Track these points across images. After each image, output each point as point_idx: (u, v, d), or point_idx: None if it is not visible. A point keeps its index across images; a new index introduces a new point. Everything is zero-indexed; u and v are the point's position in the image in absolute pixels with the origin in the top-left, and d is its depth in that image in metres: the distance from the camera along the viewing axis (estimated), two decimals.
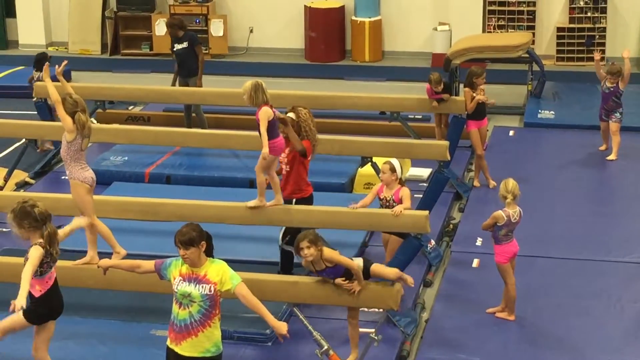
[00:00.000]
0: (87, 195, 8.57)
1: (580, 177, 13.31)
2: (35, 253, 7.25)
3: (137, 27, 20.58)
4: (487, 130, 13.47)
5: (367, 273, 8.45)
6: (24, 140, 13.17)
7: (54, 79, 8.98)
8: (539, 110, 15.95)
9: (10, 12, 21.01)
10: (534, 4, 19.27)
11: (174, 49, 14.73)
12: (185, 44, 14.62)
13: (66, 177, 8.89)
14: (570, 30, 19.11)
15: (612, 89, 13.66)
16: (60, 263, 8.91)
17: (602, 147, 14.07)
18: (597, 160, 13.82)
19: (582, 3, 19.09)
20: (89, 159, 8.83)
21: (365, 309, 8.95)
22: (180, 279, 7.08)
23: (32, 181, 13.37)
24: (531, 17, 19.31)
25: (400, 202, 9.41)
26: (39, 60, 14.35)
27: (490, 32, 19.28)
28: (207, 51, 19.00)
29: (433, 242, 10.77)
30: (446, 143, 11.55)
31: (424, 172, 13.05)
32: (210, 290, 7.02)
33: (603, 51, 18.75)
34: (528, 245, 10.27)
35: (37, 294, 7.50)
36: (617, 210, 12.24)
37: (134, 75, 18.74)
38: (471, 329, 9.38)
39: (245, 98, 9.02)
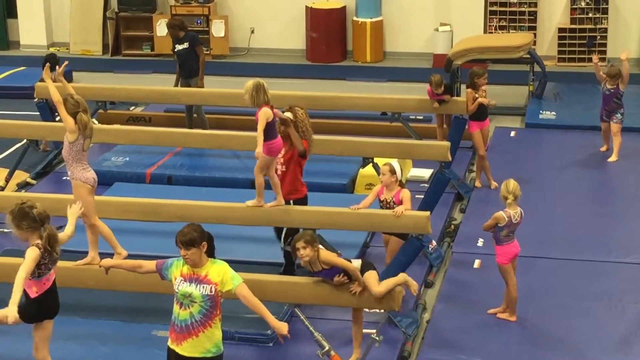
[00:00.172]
0: (89, 196, 8.57)
1: (581, 178, 13.31)
2: (31, 255, 7.24)
3: (139, 27, 20.59)
4: (489, 131, 13.44)
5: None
6: (25, 140, 13.17)
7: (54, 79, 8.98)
8: (540, 111, 15.95)
9: (12, 12, 21.02)
10: (535, 4, 19.28)
11: (175, 50, 14.73)
12: (186, 45, 14.62)
13: (67, 178, 8.90)
14: (571, 31, 19.11)
15: (612, 91, 13.66)
16: (61, 264, 8.91)
17: (603, 148, 14.07)
18: (598, 161, 13.82)
19: (583, 4, 19.09)
20: (90, 159, 8.82)
21: (367, 310, 8.95)
22: (181, 279, 7.09)
23: (34, 182, 13.38)
24: (532, 17, 19.31)
25: (400, 204, 9.41)
26: (48, 61, 14.35)
27: (491, 32, 19.29)
28: (208, 52, 19.00)
29: (434, 242, 10.77)
30: (447, 144, 11.55)
31: (425, 173, 13.05)
32: (211, 291, 7.03)
33: (604, 52, 18.75)
34: (529, 246, 10.27)
35: (32, 295, 7.49)
36: (618, 211, 12.24)
37: (135, 75, 18.74)
38: (472, 329, 9.38)
39: (246, 98, 9.02)
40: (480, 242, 11.06)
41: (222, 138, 12.30)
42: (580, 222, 11.83)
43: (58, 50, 20.71)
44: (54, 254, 7.46)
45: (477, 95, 12.67)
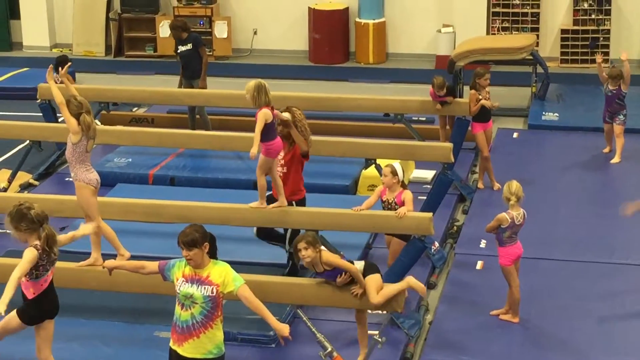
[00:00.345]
0: (92, 197, 8.58)
1: (584, 180, 13.31)
2: (28, 256, 7.25)
3: (141, 28, 20.59)
4: (492, 133, 13.44)
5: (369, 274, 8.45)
6: (28, 141, 13.17)
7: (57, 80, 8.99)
8: (543, 113, 15.95)
9: (15, 13, 21.03)
10: (538, 5, 19.27)
11: (178, 51, 14.74)
12: (189, 46, 14.63)
13: (70, 179, 8.90)
14: (574, 32, 19.09)
15: (614, 92, 13.66)
16: (64, 265, 8.95)
17: (606, 150, 14.07)
18: (601, 162, 13.81)
19: (586, 5, 19.08)
20: (93, 160, 8.83)
21: (369, 311, 8.95)
22: (183, 280, 7.09)
23: (36, 183, 13.39)
24: (535, 19, 19.30)
25: (402, 204, 9.41)
26: (59, 62, 14.47)
27: (494, 34, 19.28)
28: (211, 53, 19.01)
29: (437, 244, 10.78)
30: (450, 145, 11.55)
31: (428, 174, 13.05)
32: (212, 292, 7.03)
33: (607, 53, 18.73)
34: (532, 247, 10.26)
35: (30, 296, 7.50)
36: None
37: (137, 76, 18.75)
38: (475, 331, 9.38)
39: (247, 98, 9.04)
40: (482, 244, 11.06)
41: (224, 139, 12.29)
42: (582, 223, 11.82)
43: (61, 51, 20.73)
44: (52, 254, 7.46)
45: (479, 97, 12.67)
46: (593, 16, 19.06)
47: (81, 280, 8.90)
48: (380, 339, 8.60)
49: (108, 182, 12.01)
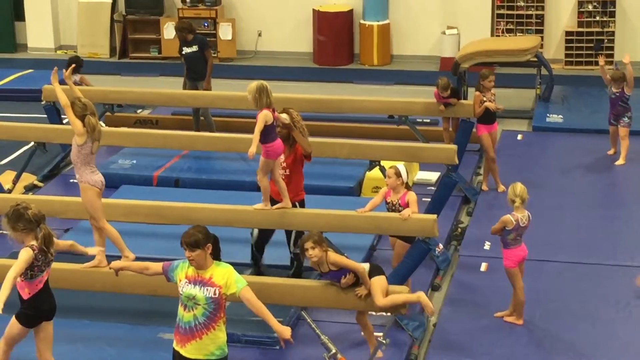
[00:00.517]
0: (97, 199, 8.58)
1: (589, 182, 13.29)
2: (24, 256, 7.27)
3: (146, 30, 20.61)
4: (497, 135, 13.43)
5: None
6: (32, 143, 13.19)
7: (62, 82, 8.99)
8: (548, 114, 15.94)
9: (20, 15, 21.05)
10: (543, 7, 19.26)
11: (183, 53, 14.74)
12: (195, 48, 14.64)
13: (75, 180, 8.91)
14: (578, 34, 19.08)
15: (617, 94, 13.66)
16: (68, 266, 8.97)
17: (611, 152, 14.05)
18: (606, 164, 13.80)
19: (590, 7, 19.06)
20: (97, 162, 8.84)
21: (374, 313, 8.95)
22: (186, 281, 7.10)
23: (41, 184, 13.40)
24: (540, 21, 19.29)
25: (406, 206, 9.40)
26: (71, 63, 14.51)
27: (498, 36, 19.28)
28: (215, 55, 18.99)
29: (441, 246, 10.75)
30: (454, 147, 11.55)
31: (432, 176, 13.05)
32: (215, 294, 7.03)
33: (611, 55, 18.72)
34: (536, 249, 10.25)
35: (25, 297, 7.51)
36: (625, 214, 12.21)
37: (142, 78, 18.76)
38: (479, 333, 9.37)
39: (249, 99, 9.06)
40: (487, 246, 11.06)
41: (229, 141, 12.30)
42: (587, 225, 11.81)
43: (65, 52, 20.75)
44: (49, 255, 7.47)
45: (484, 99, 12.66)
46: (597, 18, 19.05)
47: (86, 281, 8.91)
48: (384, 341, 8.60)
49: (112, 183, 12.01)
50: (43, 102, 13.87)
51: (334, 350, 8.60)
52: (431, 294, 10.32)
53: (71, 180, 12.84)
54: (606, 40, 18.99)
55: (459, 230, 11.84)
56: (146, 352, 8.81)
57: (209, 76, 14.65)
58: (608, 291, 10.17)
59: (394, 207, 9.54)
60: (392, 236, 9.88)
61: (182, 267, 7.17)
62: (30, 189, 13.24)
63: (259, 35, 20.45)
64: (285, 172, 9.56)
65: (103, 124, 14.55)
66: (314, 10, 19.79)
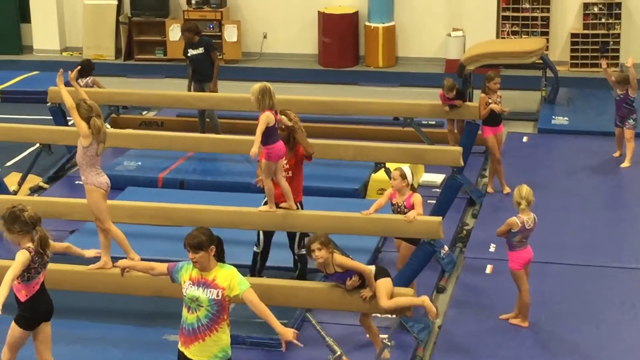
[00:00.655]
0: (103, 201, 8.59)
1: (594, 184, 13.28)
2: (21, 258, 7.27)
3: (151, 32, 20.63)
4: (503, 136, 13.43)
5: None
6: (38, 145, 13.20)
7: (67, 84, 9.00)
8: (553, 116, 15.93)
9: (25, 17, 21.08)
10: (548, 9, 19.24)
11: (189, 55, 14.75)
12: (201, 50, 14.66)
13: (80, 182, 8.93)
14: (584, 36, 19.06)
15: (622, 96, 13.66)
16: (73, 268, 8.98)
17: (616, 154, 14.04)
18: (611, 166, 13.78)
19: (596, 9, 19.05)
20: (103, 164, 8.84)
21: (379, 315, 8.95)
22: (190, 283, 7.10)
23: (46, 186, 13.41)
24: (545, 23, 19.28)
25: (411, 208, 9.40)
26: (84, 68, 14.71)
27: (504, 38, 19.26)
28: (220, 56, 19.00)
29: (446, 248, 10.76)
30: (460, 149, 11.55)
31: (438, 178, 13.04)
32: (218, 295, 7.03)
33: (617, 57, 18.70)
34: (541, 251, 10.25)
35: (22, 299, 7.52)
36: (631, 216, 12.20)
37: (147, 80, 18.78)
38: (484, 335, 9.37)
39: (252, 100, 9.08)
40: (492, 248, 11.05)
41: (234, 143, 12.30)
42: (592, 227, 11.80)
43: (71, 54, 20.78)
44: (45, 257, 7.48)
45: (489, 101, 12.66)
46: (603, 20, 19.03)
47: (91, 283, 8.91)
48: (389, 343, 8.60)
49: (118, 185, 12.00)
50: (48, 104, 13.88)
51: (339, 352, 8.60)
52: (436, 296, 10.32)
53: (76, 182, 12.85)
54: (612, 43, 18.97)
55: (464, 232, 11.83)
56: (151, 353, 8.82)
57: (215, 78, 14.68)
58: (613, 293, 10.16)
59: (399, 209, 9.54)
60: (398, 238, 9.88)
61: (187, 269, 7.17)
62: (36, 190, 13.25)
63: (264, 37, 20.46)
64: (288, 173, 9.56)
65: (108, 126, 14.56)
66: (319, 12, 19.79)
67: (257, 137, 8.93)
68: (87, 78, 14.77)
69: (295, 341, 7.11)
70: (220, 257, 7.19)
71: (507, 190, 12.59)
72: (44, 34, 20.92)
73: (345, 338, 9.00)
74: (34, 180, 13.45)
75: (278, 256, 10.21)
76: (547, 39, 18.66)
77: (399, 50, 20.00)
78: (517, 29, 19.33)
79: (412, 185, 9.63)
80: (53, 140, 12.88)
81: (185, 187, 12.99)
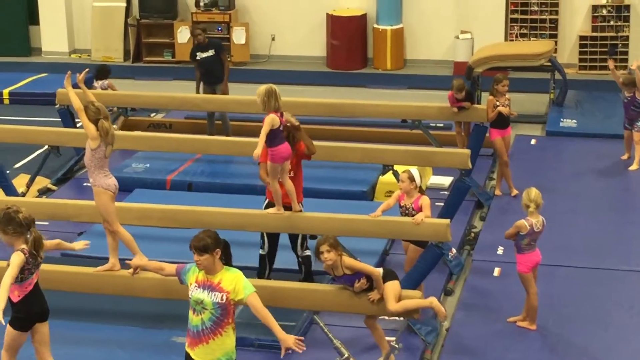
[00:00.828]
0: (110, 203, 8.60)
1: (602, 186, 13.26)
2: (16, 260, 7.28)
3: (160, 34, 20.66)
4: (511, 139, 13.41)
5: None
6: (46, 147, 13.22)
7: (75, 86, 9.01)
8: (561, 119, 15.91)
9: (34, 19, 21.13)
10: (557, 12, 19.23)
11: (198, 58, 14.77)
12: (212, 52, 14.70)
13: (88, 184, 8.93)
14: (592, 39, 19.05)
15: (630, 99, 13.64)
16: (81, 270, 9.00)
17: (624, 157, 14.02)
18: (619, 169, 13.76)
19: (604, 11, 19.03)
20: (111, 166, 8.85)
21: (386, 318, 8.94)
22: (196, 285, 7.11)
23: (55, 187, 13.44)
24: (553, 25, 19.26)
25: (420, 210, 9.39)
26: (100, 72, 15.21)
27: (512, 40, 19.25)
28: (229, 59, 19.01)
29: (454, 250, 10.76)
30: (468, 151, 11.54)
31: (446, 181, 13.03)
32: (222, 299, 7.03)
33: (625, 60, 18.67)
34: (549, 254, 10.22)
35: (15, 299, 7.52)
36: (639, 219, 12.17)
37: (155, 82, 18.80)
38: (492, 338, 9.36)
39: (258, 102, 9.09)
40: (500, 250, 11.04)
41: (242, 145, 12.30)
42: (601, 230, 11.78)
43: (79, 56, 20.82)
44: (39, 258, 7.50)
45: (497, 103, 12.65)
46: (612, 22, 19.01)
47: (99, 285, 8.92)
48: (397, 345, 8.60)
49: (126, 187, 12.02)
50: (57, 106, 13.91)
51: (346, 355, 8.60)
52: (444, 298, 10.31)
53: (85, 184, 12.87)
54: (620, 45, 18.95)
55: (472, 234, 11.82)
56: (158, 355, 8.82)
57: (226, 79, 14.73)
58: (621, 296, 10.14)
59: (407, 212, 9.53)
60: (405, 240, 9.88)
61: (194, 271, 7.18)
62: (44, 192, 13.27)
63: (273, 39, 20.47)
64: (290, 174, 9.57)
65: (116, 128, 14.59)
66: (327, 14, 19.80)
67: (261, 139, 8.93)
68: (104, 80, 14.99)
69: (295, 347, 7.05)
70: (227, 261, 7.18)
71: (515, 192, 12.57)
72: (52, 36, 20.97)
73: (353, 340, 9.00)
74: (42, 182, 13.47)
75: (285, 258, 10.21)
76: (556, 42, 18.64)
77: (407, 53, 20.00)
78: (525, 31, 19.32)
79: (420, 187, 9.63)
80: (61, 142, 12.90)
81: (193, 189, 12.99)
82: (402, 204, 9.61)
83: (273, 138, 9.03)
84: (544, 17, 19.26)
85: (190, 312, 7.14)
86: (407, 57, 20.02)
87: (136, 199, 12.01)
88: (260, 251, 9.92)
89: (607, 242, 11.43)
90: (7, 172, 12.93)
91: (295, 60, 20.24)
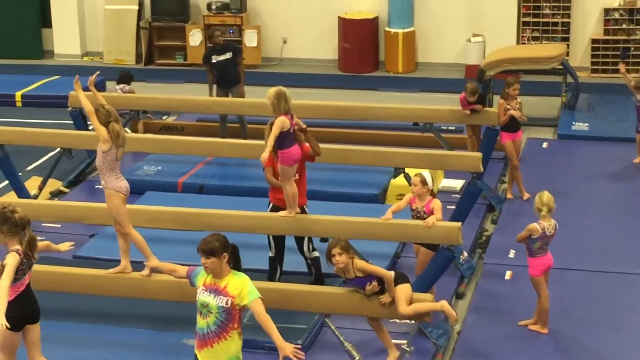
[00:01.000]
0: (122, 205, 8.62)
1: (614, 190, 13.23)
2: (12, 262, 7.29)
3: (172, 37, 20.69)
4: (522, 143, 13.39)
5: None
6: (58, 149, 13.25)
7: (85, 89, 9.03)
8: (573, 122, 15.88)
9: (46, 22, 21.18)
10: (569, 15, 19.20)
11: (214, 61, 14.77)
12: (228, 55, 14.76)
13: (100, 186, 8.95)
14: (605, 42, 19.01)
15: None
16: (93, 272, 9.02)
17: (637, 160, 13.99)
18: (631, 173, 13.73)
19: (617, 15, 18.99)
20: (123, 168, 8.87)
21: (397, 321, 8.94)
22: (203, 288, 7.12)
23: (67, 190, 13.46)
24: (566, 28, 19.23)
25: (431, 213, 9.38)
26: (123, 77, 15.41)
27: (524, 43, 19.23)
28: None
29: (466, 253, 10.73)
30: (479, 155, 11.53)
31: (457, 184, 13.02)
32: (226, 303, 7.03)
33: (638, 63, 18.63)
34: (561, 258, 10.20)
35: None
36: None
37: (167, 85, 18.83)
38: (503, 341, 9.34)
39: (268, 104, 9.08)
40: (511, 254, 11.02)
41: (253, 147, 12.27)
42: (613, 234, 11.76)
43: (92, 59, 20.86)
44: (32, 259, 7.51)
45: (508, 107, 12.63)
46: (624, 26, 18.97)
47: (110, 287, 8.94)
48: (408, 349, 8.59)
49: (137, 189, 12.05)
50: (69, 109, 13.93)
51: (357, 358, 8.60)
52: (455, 302, 10.30)
53: (96, 187, 12.88)
54: (632, 48, 18.90)
55: (484, 238, 11.81)
56: (170, 357, 8.83)
57: (243, 81, 14.78)
58: (633, 300, 10.12)
59: (418, 214, 9.53)
60: (417, 244, 9.87)
61: (203, 274, 7.19)
62: (56, 194, 13.31)
63: (284, 42, 20.49)
64: (295, 176, 9.56)
65: (128, 130, 14.63)
66: (339, 17, 19.80)
67: (270, 142, 8.92)
68: (125, 85, 15.28)
69: (292, 356, 6.99)
70: (235, 265, 7.18)
71: (526, 196, 12.56)
72: (65, 39, 21.02)
73: (364, 343, 9.00)
74: (54, 184, 13.50)
75: (295, 261, 10.22)
76: (568, 45, 18.59)
77: (419, 56, 19.99)
78: (537, 34, 19.29)
79: (431, 190, 9.62)
80: (73, 145, 12.93)
81: (204, 192, 13.01)
82: (413, 207, 9.61)
83: (283, 140, 9.03)
84: (556, 20, 19.23)
85: (198, 315, 7.16)
86: (419, 60, 20.00)
87: (147, 201, 12.03)
88: (270, 254, 9.93)
89: (619, 246, 11.41)
90: (20, 174, 12.97)
91: (306, 63, 20.25)
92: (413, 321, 8.76)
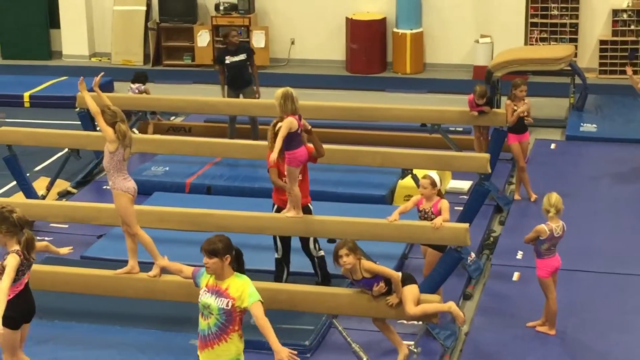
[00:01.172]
0: (130, 205, 8.63)
1: (622, 191, 13.21)
2: (12, 263, 7.32)
3: (180, 38, 20.70)
4: (529, 144, 13.38)
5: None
6: (66, 150, 13.26)
7: (90, 91, 9.03)
8: (581, 124, 15.86)
9: (55, 23, 21.21)
10: (577, 16, 19.17)
11: (227, 62, 14.76)
12: (242, 56, 14.76)
13: (107, 187, 8.96)
14: (613, 43, 18.97)
15: None
16: (100, 272, 9.03)
17: None
18: (639, 174, 13.71)
19: (625, 16, 18.96)
20: (130, 169, 8.88)
21: (405, 322, 8.93)
22: (205, 289, 7.13)
23: (74, 190, 13.48)
24: (574, 29, 19.20)
25: (439, 214, 9.38)
26: (138, 77, 15.52)
27: (532, 44, 19.21)
28: None
29: (473, 254, 10.73)
30: (487, 156, 11.52)
31: (465, 185, 13.01)
32: (227, 305, 7.03)
33: None
34: (569, 259, 10.18)
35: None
36: None
37: (175, 86, 18.83)
38: (511, 342, 9.33)
39: (276, 105, 9.09)
40: (519, 255, 11.01)
41: (261, 148, 12.27)
42: (621, 235, 11.73)
43: (100, 60, 20.89)
44: (31, 259, 7.54)
45: (515, 108, 12.62)
46: (632, 27, 18.93)
47: (118, 288, 8.94)
48: (415, 350, 8.58)
49: (145, 190, 12.07)
50: (77, 109, 13.95)
51: (365, 359, 8.60)
52: (463, 303, 10.29)
53: (104, 187, 12.89)
54: None
55: (491, 239, 11.79)
56: (177, 358, 8.83)
57: (258, 83, 14.81)
58: None
59: (426, 215, 9.52)
60: (424, 245, 9.86)
61: (206, 276, 7.20)
62: (64, 195, 13.32)
63: (292, 43, 20.49)
64: (300, 177, 9.56)
65: (136, 131, 14.64)
66: (347, 18, 19.80)
67: (278, 143, 8.92)
68: (140, 84, 15.35)
69: None
70: (239, 268, 7.18)
71: (534, 197, 12.54)
72: (73, 40, 21.05)
73: (371, 344, 8.99)
74: (62, 185, 13.51)
75: (302, 262, 10.21)
76: (576, 46, 18.55)
77: (427, 57, 19.98)
78: (545, 35, 19.27)
79: (439, 191, 9.61)
80: (81, 145, 12.94)
81: (212, 193, 13.01)
82: (420, 208, 9.60)
83: (290, 141, 9.03)
84: (564, 21, 19.21)
85: (199, 316, 7.17)
86: (427, 61, 19.99)
87: (155, 202, 12.04)
88: (276, 255, 9.93)
89: (627, 247, 11.39)
90: (28, 174, 12.99)
91: (314, 64, 20.25)
92: (420, 322, 8.75)
